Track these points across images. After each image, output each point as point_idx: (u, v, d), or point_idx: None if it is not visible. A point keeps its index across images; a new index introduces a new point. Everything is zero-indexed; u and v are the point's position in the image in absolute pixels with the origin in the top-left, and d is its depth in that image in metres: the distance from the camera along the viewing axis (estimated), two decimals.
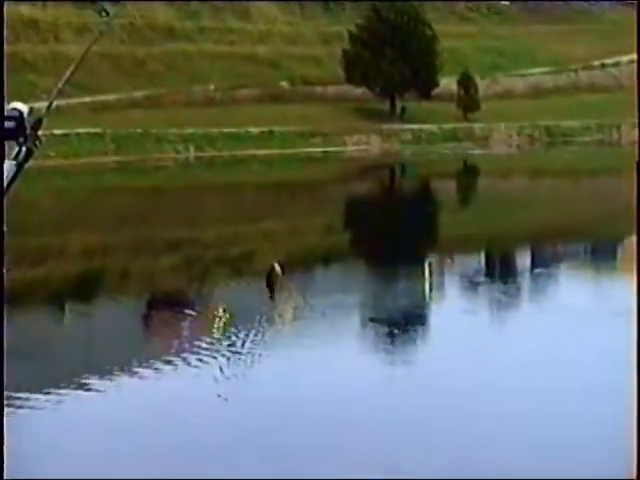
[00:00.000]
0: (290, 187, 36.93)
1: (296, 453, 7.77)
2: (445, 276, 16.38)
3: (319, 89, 64.36)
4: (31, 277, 15.70)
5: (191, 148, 52.26)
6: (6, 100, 3.17)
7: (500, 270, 17.89)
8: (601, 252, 19.32)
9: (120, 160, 48.09)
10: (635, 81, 54.85)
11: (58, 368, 10.25)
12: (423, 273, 14.32)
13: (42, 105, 3.36)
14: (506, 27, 79.23)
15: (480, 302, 14.13)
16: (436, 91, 62.50)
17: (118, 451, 7.77)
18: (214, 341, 11.26)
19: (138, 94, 58.26)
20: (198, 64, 64.21)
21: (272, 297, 13.55)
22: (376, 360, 10.76)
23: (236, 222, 25.47)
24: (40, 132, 3.18)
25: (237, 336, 11.44)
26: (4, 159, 3.01)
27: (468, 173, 46.90)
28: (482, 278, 16.43)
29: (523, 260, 18.95)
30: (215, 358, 10.49)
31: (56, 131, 45.85)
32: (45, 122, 3.19)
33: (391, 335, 11.73)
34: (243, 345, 11.05)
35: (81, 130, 49.22)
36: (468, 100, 63.12)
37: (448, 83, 63.66)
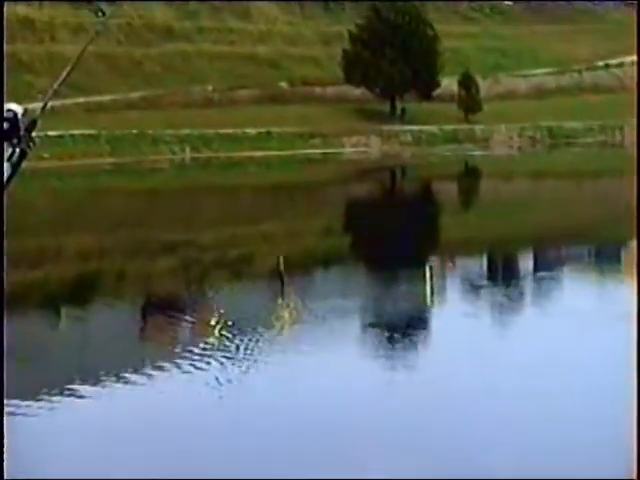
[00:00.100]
0: (288, 189, 36.93)
1: (294, 458, 7.76)
2: (446, 279, 16.37)
3: (318, 90, 64.39)
4: (24, 280, 15.68)
5: (187, 149, 52.27)
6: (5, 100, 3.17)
7: (502, 273, 17.88)
8: (605, 255, 19.31)
9: (115, 162, 48.09)
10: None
11: (50, 373, 10.22)
12: (424, 276, 14.30)
13: (37, 106, 3.36)
14: (509, 27, 79.32)
15: (482, 306, 14.11)
16: (437, 92, 62.54)
17: (111, 458, 7.75)
18: (211, 346, 11.24)
19: (134, 95, 58.28)
20: (196, 64, 64.24)
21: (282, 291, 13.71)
22: (377, 365, 10.74)
23: (233, 225, 25.46)
24: (34, 133, 3.17)
25: (234, 341, 11.42)
26: (4, 160, 3.01)
27: (469, 175, 46.90)
28: (484, 281, 16.41)
29: (526, 263, 18.93)
30: (211, 364, 10.48)
31: (50, 132, 45.87)
32: (39, 123, 3.18)
33: (392, 339, 11.71)
34: (240, 351, 11.03)
35: (76, 131, 49.23)
36: (469, 101, 63.15)
37: (449, 84, 63.70)
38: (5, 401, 6.71)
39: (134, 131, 51.21)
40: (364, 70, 61.15)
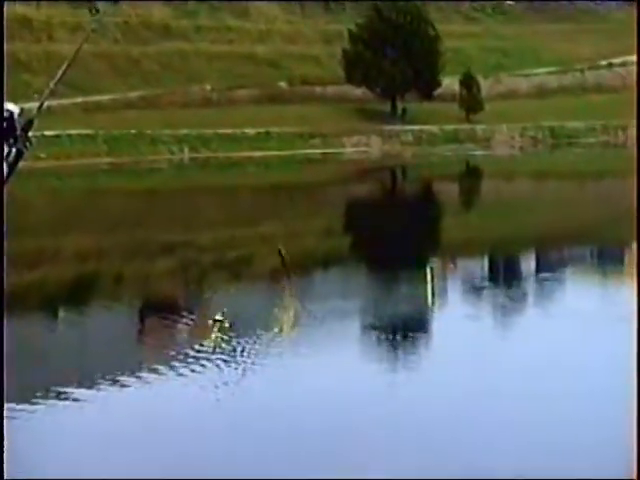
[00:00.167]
0: (288, 190, 36.93)
1: (292, 462, 7.77)
2: (448, 281, 16.36)
3: (318, 89, 64.41)
4: (21, 281, 15.67)
5: (185, 149, 52.28)
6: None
7: (504, 275, 17.87)
8: (607, 256, 19.31)
9: (113, 162, 48.09)
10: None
11: (46, 376, 10.21)
12: (425, 278, 14.29)
13: (33, 106, 3.35)
14: (511, 26, 79.36)
15: (484, 307, 14.11)
16: (438, 91, 62.59)
17: (106, 462, 7.75)
18: (209, 348, 11.24)
19: (132, 94, 58.32)
20: (195, 64, 64.27)
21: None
22: (377, 367, 10.74)
23: (232, 225, 25.45)
24: (31, 133, 3.17)
25: (234, 344, 11.42)
26: (4, 160, 3.00)
27: (470, 175, 46.90)
28: (486, 283, 16.41)
29: (528, 264, 18.93)
30: (209, 367, 10.47)
31: (47, 132, 45.87)
32: (36, 123, 3.18)
33: (392, 342, 11.71)
34: (240, 353, 11.03)
35: (73, 131, 49.25)
36: (471, 100, 63.19)
37: (451, 83, 63.74)
38: (5, 401, 6.74)
39: (132, 131, 51.23)
40: (365, 70, 61.18)
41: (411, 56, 61.18)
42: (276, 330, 12.29)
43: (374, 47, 61.52)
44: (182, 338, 12.09)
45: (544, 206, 30.52)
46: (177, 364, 10.52)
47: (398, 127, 60.24)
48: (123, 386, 9.86)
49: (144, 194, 36.95)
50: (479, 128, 62.22)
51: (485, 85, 66.28)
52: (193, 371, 10.26)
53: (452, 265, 18.39)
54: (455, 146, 57.72)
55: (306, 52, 68.41)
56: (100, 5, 3.59)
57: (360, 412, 8.99)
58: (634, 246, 17.05)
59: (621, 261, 18.76)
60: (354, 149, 56.48)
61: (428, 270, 14.40)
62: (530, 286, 16.01)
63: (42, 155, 43.19)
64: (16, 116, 3.09)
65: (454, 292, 15.32)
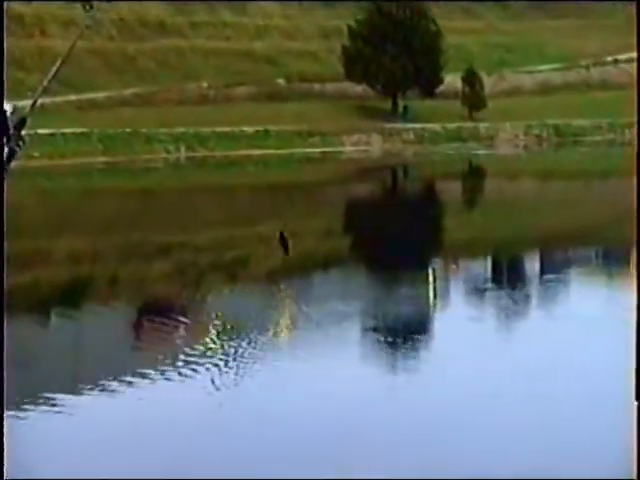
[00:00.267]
0: (287, 189, 36.93)
1: (289, 466, 7.79)
2: (450, 282, 16.37)
3: (317, 86, 64.42)
4: (13, 284, 15.66)
5: (182, 148, 52.30)
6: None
7: (508, 276, 17.89)
8: (613, 257, 19.32)
9: (108, 161, 48.09)
10: None
11: (37, 382, 10.21)
12: (427, 279, 14.31)
13: (27, 103, 3.36)
14: (514, 22, 79.40)
15: (487, 309, 14.12)
16: (440, 89, 62.60)
17: (101, 467, 7.77)
18: (206, 351, 11.25)
19: (128, 92, 58.33)
20: (191, 60, 64.29)
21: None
22: (377, 370, 10.75)
23: (230, 226, 25.47)
24: (24, 132, 3.18)
25: (231, 346, 11.43)
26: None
27: (473, 174, 46.91)
28: (489, 284, 16.42)
29: (532, 265, 18.95)
30: (206, 371, 10.49)
31: (41, 130, 45.84)
32: (29, 121, 3.19)
33: (393, 344, 11.72)
34: (237, 356, 11.04)
35: (67, 130, 49.25)
36: (473, 98, 63.20)
37: (453, 80, 63.75)
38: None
39: (127, 129, 51.24)
40: (365, 66, 61.20)
41: (412, 52, 61.21)
42: (273, 333, 12.29)
43: (374, 43, 61.54)
44: (178, 341, 12.09)
45: (549, 206, 30.53)
46: (173, 368, 10.52)
47: (399, 125, 60.25)
48: (118, 391, 9.87)
49: (140, 194, 36.96)
50: (482, 126, 62.24)
51: (488, 82, 66.29)
52: (188, 376, 10.26)
53: (454, 266, 18.41)
54: (457, 145, 57.73)
55: (305, 48, 68.43)
56: (94, 1, 3.60)
57: (359, 416, 8.99)
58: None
59: (627, 262, 18.77)
60: (354, 148, 56.49)
61: (430, 271, 14.43)
62: (534, 288, 16.02)
63: (35, 154, 43.18)
64: (9, 114, 3.10)
65: (456, 294, 15.33)
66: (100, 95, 56.47)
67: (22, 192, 28.23)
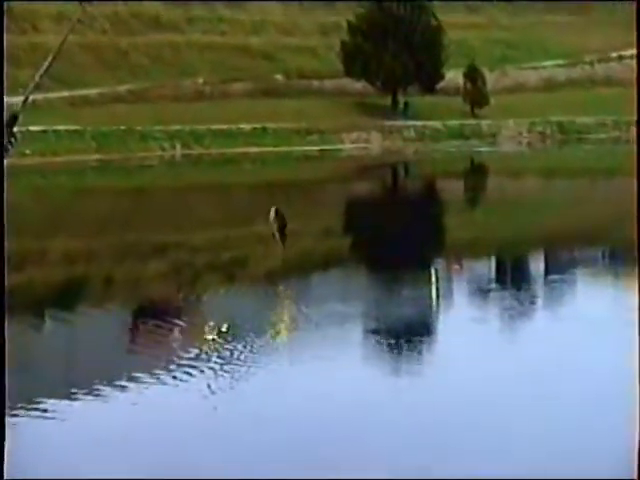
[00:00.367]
0: (285, 188, 36.91)
1: (286, 470, 7.79)
2: (452, 282, 16.36)
3: (316, 83, 64.43)
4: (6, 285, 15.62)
5: (177, 146, 52.28)
6: None
7: (511, 276, 17.88)
8: (620, 257, 19.31)
9: (101, 159, 48.08)
10: None
11: (32, 384, 10.19)
12: (429, 279, 14.29)
13: (18, 100, 3.32)
14: (516, 17, 79.40)
15: (490, 310, 14.11)
16: (441, 85, 62.60)
17: (96, 470, 7.76)
18: (204, 354, 11.23)
19: (121, 88, 58.29)
20: (186, 56, 64.27)
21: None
22: (378, 373, 10.73)
23: (226, 225, 25.45)
24: (15, 128, 3.14)
25: (228, 348, 11.41)
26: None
27: (476, 172, 46.94)
28: (492, 285, 16.41)
29: (536, 265, 18.94)
30: (204, 372, 10.47)
31: (32, 127, 45.79)
32: (21, 118, 3.15)
33: (394, 347, 11.70)
34: (235, 358, 11.01)
35: (60, 127, 49.23)
36: (475, 94, 63.22)
37: (454, 76, 63.76)
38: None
39: (121, 127, 51.22)
40: (364, 62, 61.19)
41: (413, 48, 61.20)
42: (272, 335, 12.27)
43: (374, 39, 61.53)
44: (174, 344, 12.07)
45: (553, 205, 30.53)
46: (168, 372, 10.50)
47: (400, 122, 60.26)
48: (111, 396, 9.84)
49: (134, 193, 36.95)
50: (484, 123, 62.26)
51: (491, 78, 66.31)
52: (183, 380, 10.23)
53: (457, 266, 18.39)
54: (459, 142, 57.76)
55: (303, 44, 68.41)
56: (92, 0, 3.56)
57: (360, 421, 8.97)
58: None
59: (634, 262, 18.75)
60: (353, 145, 56.50)
61: (432, 271, 14.40)
62: (539, 288, 16.02)
63: (27, 152, 43.16)
64: None
65: (459, 294, 15.32)
66: (93, 91, 56.44)
67: (13, 191, 28.17)
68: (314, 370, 10.79)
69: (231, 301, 15.51)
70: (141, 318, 13.94)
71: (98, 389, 9.90)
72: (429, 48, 61.88)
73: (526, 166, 48.97)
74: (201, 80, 61.61)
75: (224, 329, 12.22)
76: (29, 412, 9.16)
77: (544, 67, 74.06)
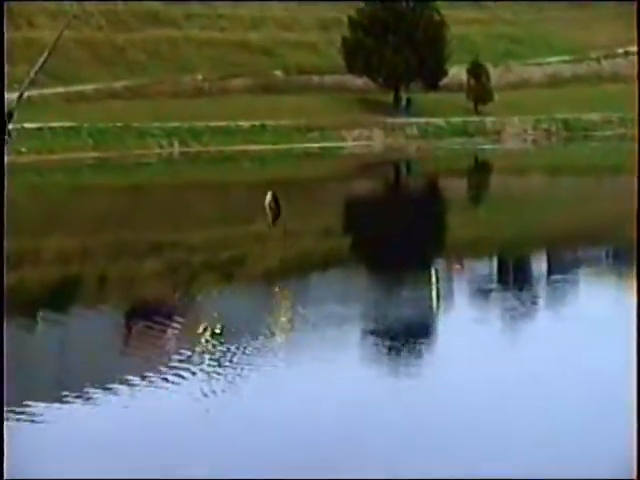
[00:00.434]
0: (284, 186, 36.93)
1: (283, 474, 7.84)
2: (454, 283, 16.40)
3: (316, 79, 64.43)
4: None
5: (175, 143, 52.30)
6: None
7: (514, 276, 17.91)
8: (624, 257, 19.33)
9: (98, 156, 48.10)
10: None
11: (24, 386, 10.23)
12: (430, 280, 14.33)
13: (13, 96, 3.38)
14: (521, 12, 79.36)
15: (492, 311, 14.14)
16: (444, 81, 62.60)
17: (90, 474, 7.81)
18: (199, 356, 11.27)
19: (118, 84, 58.31)
20: (184, 52, 64.28)
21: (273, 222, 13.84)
22: (378, 375, 10.77)
23: (225, 224, 25.49)
24: (10, 125, 3.20)
25: (224, 350, 11.45)
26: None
27: (479, 170, 46.95)
28: (494, 285, 16.44)
29: (539, 265, 18.97)
30: (199, 374, 10.51)
31: (28, 124, 45.84)
32: (16, 115, 3.21)
33: (394, 348, 11.73)
34: (230, 360, 11.06)
35: (55, 124, 49.26)
36: (479, 91, 63.20)
37: (457, 72, 63.76)
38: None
39: (118, 123, 51.24)
40: (366, 58, 61.19)
41: (415, 43, 61.20)
42: (269, 336, 12.31)
43: (375, 34, 61.53)
44: (170, 345, 12.11)
45: (557, 203, 30.56)
46: (162, 374, 10.54)
47: (402, 119, 60.27)
48: (106, 396, 9.89)
49: (131, 191, 36.98)
50: (488, 120, 62.26)
51: (495, 74, 66.30)
52: (176, 383, 10.26)
53: (459, 266, 18.43)
54: (463, 139, 57.76)
55: (303, 39, 68.41)
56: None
57: (360, 424, 9.01)
58: None
59: (638, 262, 18.78)
60: (355, 143, 56.51)
61: (433, 271, 14.43)
62: (542, 289, 16.05)
63: (22, 149, 43.20)
64: None
65: (461, 295, 15.35)
66: (89, 87, 56.46)
67: (9, 189, 28.22)
68: (311, 372, 10.83)
69: (228, 301, 15.54)
70: (136, 319, 13.99)
71: (89, 392, 9.94)
72: (432, 43, 61.86)
73: (531, 164, 48.99)
74: (199, 76, 61.64)
75: (221, 330, 12.26)
76: (17, 415, 9.22)
77: (549, 63, 74.05)
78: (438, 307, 13.86)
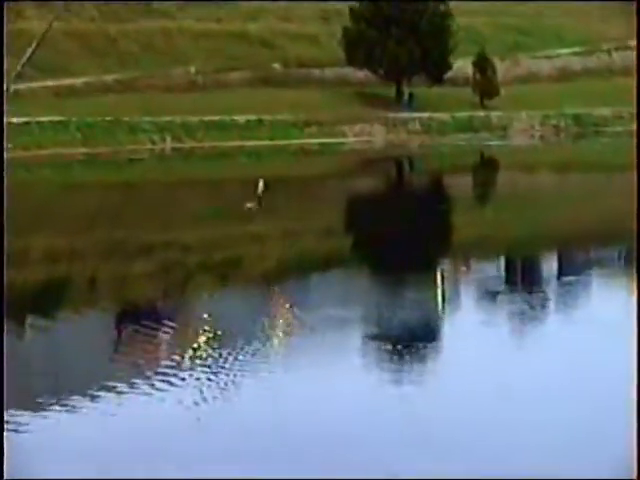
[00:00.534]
0: (282, 183, 36.93)
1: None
2: (460, 284, 16.39)
3: (316, 72, 64.42)
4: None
5: (168, 139, 52.29)
6: None
7: (523, 278, 17.91)
8: (637, 257, 19.33)
9: (88, 152, 48.11)
10: None
11: (7, 394, 10.21)
12: (435, 281, 14.32)
13: None
14: (529, 3, 79.32)
15: (500, 314, 14.14)
16: (449, 74, 62.56)
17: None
18: (192, 361, 11.26)
19: (109, 77, 58.28)
20: (178, 43, 64.25)
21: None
22: (381, 381, 10.75)
23: (219, 223, 25.48)
24: None
25: (218, 355, 11.43)
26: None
27: (485, 167, 46.98)
28: (502, 287, 16.44)
29: (549, 266, 18.97)
30: (192, 381, 10.49)
31: (15, 119, 45.84)
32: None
33: (398, 352, 11.72)
34: (224, 365, 11.04)
35: (44, 118, 49.24)
36: (485, 84, 63.20)
37: (463, 65, 63.74)
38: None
39: (108, 118, 51.24)
40: (368, 50, 61.15)
41: (419, 35, 61.16)
42: (268, 340, 12.29)
43: (378, 25, 61.49)
44: (162, 349, 12.09)
45: (567, 201, 30.57)
46: (156, 378, 10.52)
47: (404, 114, 60.26)
48: (96, 402, 9.87)
49: (122, 187, 36.99)
50: (495, 115, 62.25)
51: (501, 67, 66.30)
52: (166, 390, 10.24)
53: (465, 267, 18.43)
54: (468, 135, 57.78)
55: (302, 31, 68.38)
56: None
57: (361, 429, 9.00)
58: None
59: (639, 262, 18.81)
60: (355, 139, 56.52)
61: (438, 273, 14.43)
62: (551, 290, 16.05)
63: (9, 145, 43.19)
64: None
65: (467, 297, 15.34)
66: (79, 81, 56.43)
67: None
68: (311, 378, 10.82)
69: (223, 304, 15.53)
70: (127, 322, 13.96)
71: (74, 400, 9.92)
72: (436, 35, 61.82)
73: (539, 160, 49.00)
74: (194, 69, 61.61)
75: (215, 334, 12.25)
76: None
77: (558, 55, 74.04)
78: (443, 310, 13.85)
